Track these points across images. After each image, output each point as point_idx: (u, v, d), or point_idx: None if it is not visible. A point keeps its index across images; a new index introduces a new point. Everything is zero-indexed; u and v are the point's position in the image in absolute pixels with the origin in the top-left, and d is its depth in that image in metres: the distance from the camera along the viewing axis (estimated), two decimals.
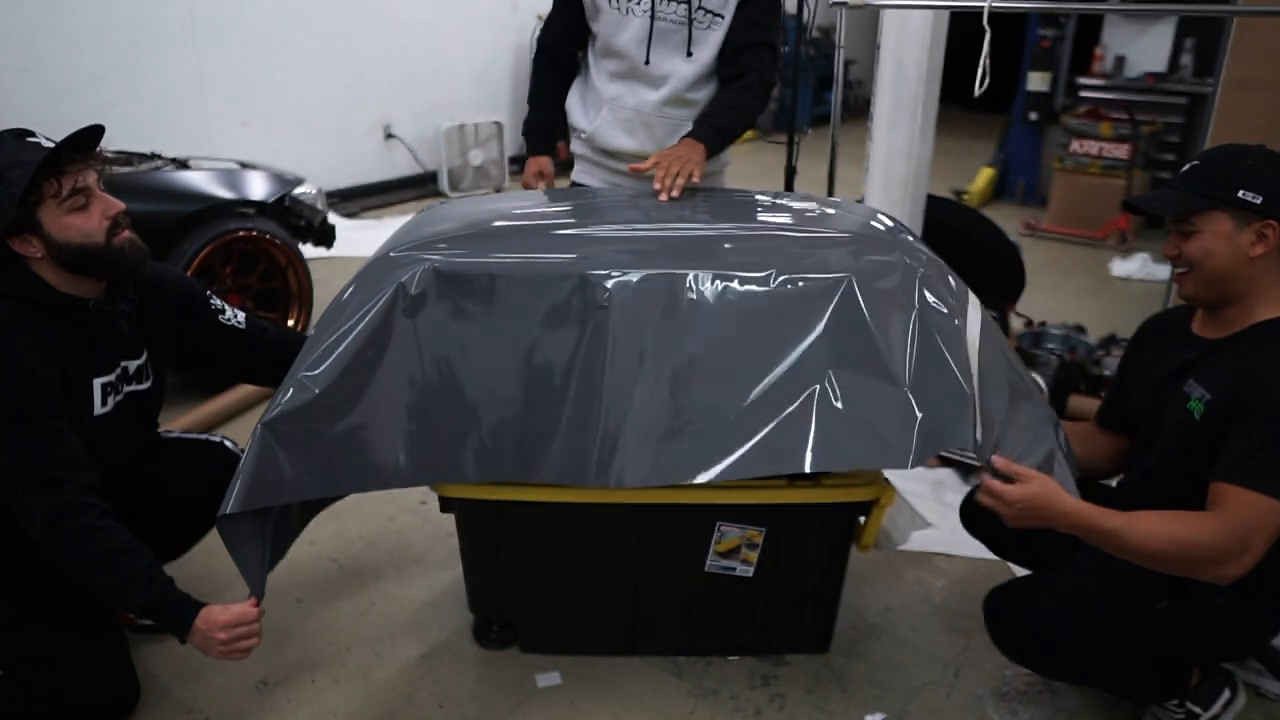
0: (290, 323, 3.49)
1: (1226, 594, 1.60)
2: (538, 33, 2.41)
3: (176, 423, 2.96)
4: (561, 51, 2.32)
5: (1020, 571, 2.29)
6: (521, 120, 2.40)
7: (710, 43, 2.11)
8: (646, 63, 2.11)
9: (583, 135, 2.28)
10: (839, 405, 1.57)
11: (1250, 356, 1.54)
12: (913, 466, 1.54)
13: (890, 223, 1.88)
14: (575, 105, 2.30)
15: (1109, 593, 1.67)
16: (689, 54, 2.10)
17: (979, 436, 1.51)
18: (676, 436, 1.60)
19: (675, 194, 1.90)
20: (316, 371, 1.51)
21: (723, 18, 2.10)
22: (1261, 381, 1.50)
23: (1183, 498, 1.55)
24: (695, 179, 1.95)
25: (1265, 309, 1.58)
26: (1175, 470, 1.60)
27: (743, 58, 2.12)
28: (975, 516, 2.08)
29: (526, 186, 2.30)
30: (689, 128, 2.12)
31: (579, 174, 2.39)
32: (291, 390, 1.51)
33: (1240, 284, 1.58)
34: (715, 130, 2.08)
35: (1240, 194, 1.53)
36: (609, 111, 2.19)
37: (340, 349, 1.52)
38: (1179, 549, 1.47)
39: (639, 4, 2.09)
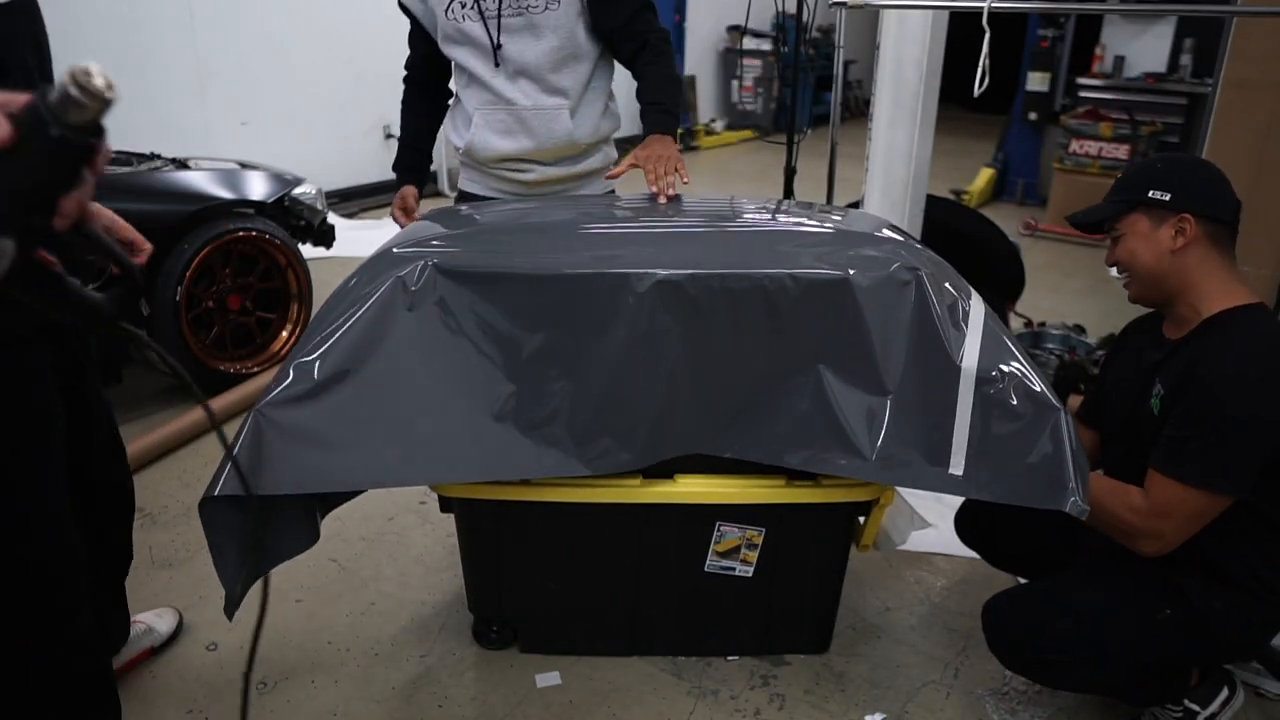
0: (290, 323, 3.49)
1: (1226, 595, 1.61)
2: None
3: (176, 424, 2.96)
4: (421, 75, 2.26)
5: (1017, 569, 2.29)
6: None
7: (555, 25, 2.03)
8: (497, 65, 2.05)
9: (459, 149, 2.21)
10: (824, 406, 1.59)
11: (1195, 350, 1.61)
12: (877, 481, 1.62)
13: (890, 229, 1.88)
14: (448, 126, 2.26)
15: (1109, 604, 1.69)
16: (534, 40, 2.03)
17: (952, 464, 1.56)
18: (674, 428, 1.62)
19: (671, 192, 1.90)
20: (314, 359, 1.49)
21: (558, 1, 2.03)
22: (1196, 374, 1.56)
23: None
24: (684, 175, 1.93)
25: (1210, 303, 1.63)
26: (1138, 463, 1.64)
27: (631, 29, 2.07)
28: (970, 526, 2.08)
29: (394, 218, 2.23)
30: (564, 117, 2.08)
31: (464, 183, 2.30)
32: (288, 378, 1.50)
33: (1174, 279, 1.65)
34: (667, 114, 2.04)
35: (1150, 193, 1.64)
36: (480, 118, 2.11)
37: (338, 339, 1.51)
38: (1106, 518, 1.61)
39: (468, 7, 2.02)
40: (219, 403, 3.12)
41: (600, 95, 2.17)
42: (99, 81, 0.68)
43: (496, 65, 2.05)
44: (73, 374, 1.59)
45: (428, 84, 2.28)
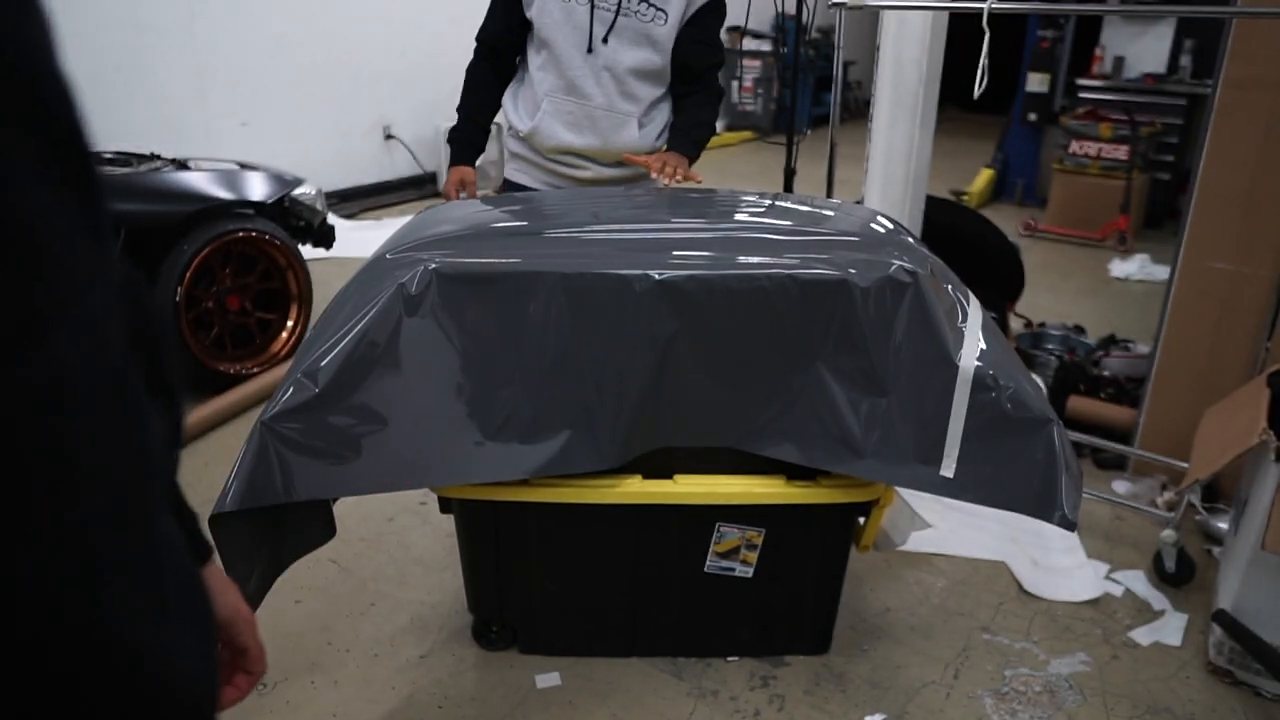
0: (290, 323, 3.49)
1: None
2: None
3: None
4: (500, 46, 2.20)
5: (1017, 571, 2.29)
6: None
7: (654, 38, 2.07)
8: (590, 50, 2.05)
9: (520, 134, 2.19)
10: (821, 404, 1.61)
11: None
12: (869, 478, 1.63)
13: (890, 224, 1.89)
14: (509, 105, 2.21)
15: None
16: (633, 46, 2.07)
17: (944, 467, 1.57)
18: (673, 424, 1.63)
19: (679, 179, 2.00)
20: (316, 370, 1.50)
21: (665, 14, 2.07)
22: None
23: None
24: (695, 177, 2.05)
25: None
26: None
27: (705, 78, 2.18)
28: None
29: (447, 197, 2.19)
30: (633, 124, 2.13)
31: (513, 173, 2.28)
32: (291, 388, 1.50)
33: None
34: (694, 144, 2.15)
35: None
36: (550, 105, 2.10)
37: (340, 348, 1.51)
38: None
39: None
40: (219, 403, 3.12)
41: (663, 115, 2.23)
42: None
43: (589, 51, 2.05)
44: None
45: (501, 57, 2.22)
